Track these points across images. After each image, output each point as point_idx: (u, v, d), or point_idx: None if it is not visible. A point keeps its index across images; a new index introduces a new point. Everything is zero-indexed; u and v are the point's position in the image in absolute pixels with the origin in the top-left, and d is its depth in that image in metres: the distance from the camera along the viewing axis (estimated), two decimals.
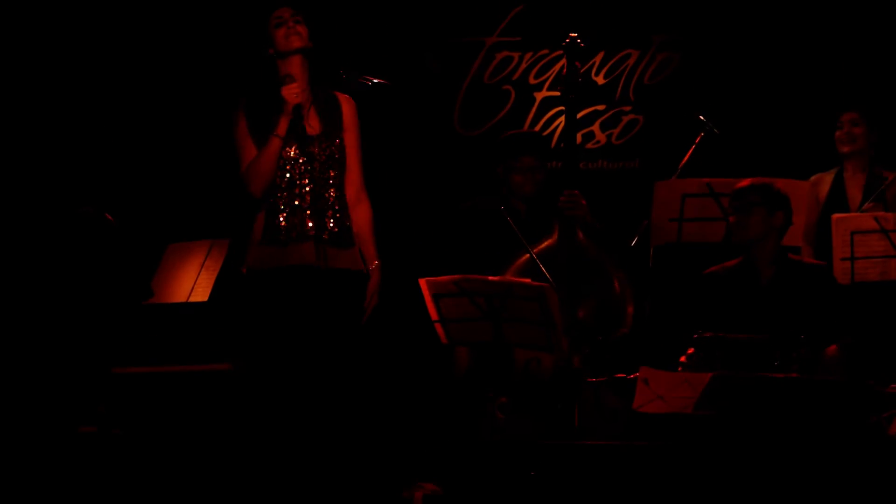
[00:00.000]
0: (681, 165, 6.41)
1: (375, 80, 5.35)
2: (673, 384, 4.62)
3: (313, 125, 5.09)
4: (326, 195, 5.02)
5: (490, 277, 5.05)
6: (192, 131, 7.16)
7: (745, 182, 5.49)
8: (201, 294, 5.93)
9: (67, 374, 5.51)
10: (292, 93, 4.96)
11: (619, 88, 7.59)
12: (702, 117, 6.48)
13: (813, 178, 6.34)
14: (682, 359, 5.12)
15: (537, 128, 7.62)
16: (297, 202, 4.96)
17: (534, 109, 7.63)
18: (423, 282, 5.03)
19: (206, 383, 5.54)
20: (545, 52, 7.59)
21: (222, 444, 5.29)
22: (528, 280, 5.05)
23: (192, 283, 5.97)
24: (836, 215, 5.94)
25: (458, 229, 6.13)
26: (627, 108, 7.60)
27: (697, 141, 6.45)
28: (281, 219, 4.98)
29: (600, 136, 7.61)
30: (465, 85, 7.69)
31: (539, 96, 7.62)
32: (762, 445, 4.57)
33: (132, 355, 5.73)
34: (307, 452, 4.96)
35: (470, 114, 7.69)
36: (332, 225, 5.02)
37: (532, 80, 7.64)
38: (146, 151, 7.15)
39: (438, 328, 5.07)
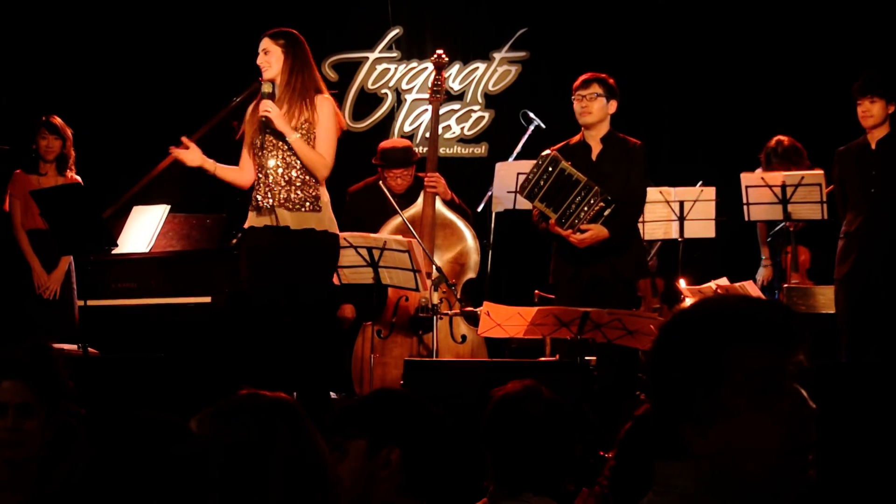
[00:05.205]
0: (516, 150, 7.20)
1: None
2: (508, 315, 5.06)
3: None
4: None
5: (371, 234, 5.68)
6: None
7: (587, 75, 5.60)
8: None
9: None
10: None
11: (470, 93, 8.48)
12: (531, 114, 7.24)
13: None
14: None
15: (407, 121, 8.45)
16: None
17: (404, 108, 8.52)
18: None
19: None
20: (415, 65, 8.47)
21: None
22: (399, 237, 5.66)
23: (151, 237, 6.43)
24: None
25: (350, 202, 6.66)
26: (477, 108, 8.50)
27: (528, 132, 7.22)
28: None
29: (456, 129, 8.48)
30: (354, 89, 8.53)
31: (409, 98, 8.50)
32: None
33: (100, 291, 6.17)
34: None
35: (357, 111, 8.51)
36: None
37: (404, 86, 8.49)
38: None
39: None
